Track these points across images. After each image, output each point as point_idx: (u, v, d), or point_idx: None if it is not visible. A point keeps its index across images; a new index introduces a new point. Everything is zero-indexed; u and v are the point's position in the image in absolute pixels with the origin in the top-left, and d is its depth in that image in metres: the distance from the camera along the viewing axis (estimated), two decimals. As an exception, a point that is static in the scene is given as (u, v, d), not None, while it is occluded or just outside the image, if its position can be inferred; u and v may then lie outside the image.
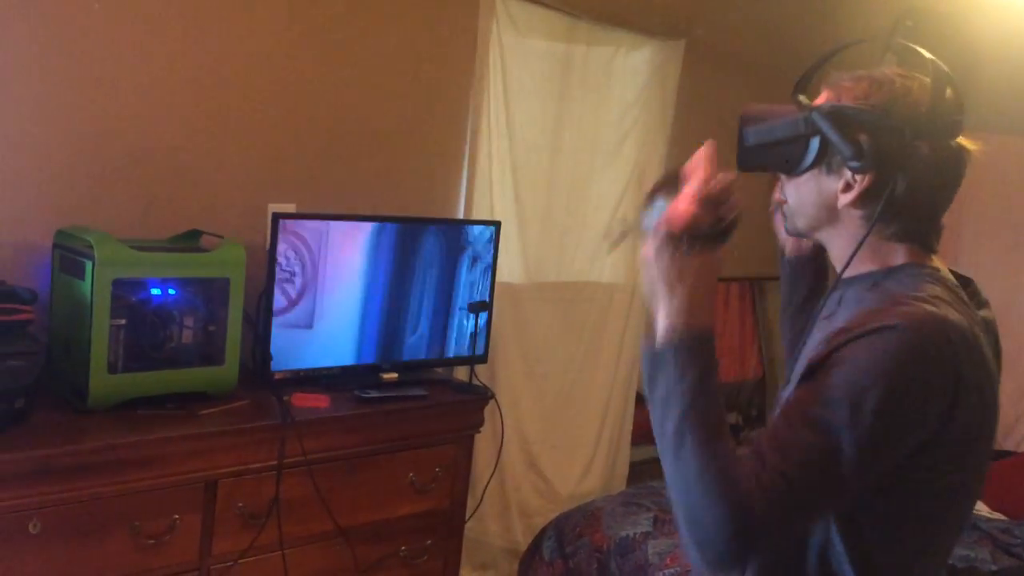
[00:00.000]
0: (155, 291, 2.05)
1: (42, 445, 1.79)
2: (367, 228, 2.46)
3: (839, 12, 3.84)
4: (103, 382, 1.95)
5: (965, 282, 1.22)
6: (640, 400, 3.63)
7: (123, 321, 1.99)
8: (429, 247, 2.59)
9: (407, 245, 2.54)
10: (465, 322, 2.69)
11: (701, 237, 1.05)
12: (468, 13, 2.79)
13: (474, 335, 2.70)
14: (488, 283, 2.71)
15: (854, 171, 1.12)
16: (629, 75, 3.30)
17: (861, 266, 1.19)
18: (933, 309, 1.07)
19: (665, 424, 1.04)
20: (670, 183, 1.12)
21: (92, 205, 2.20)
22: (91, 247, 1.91)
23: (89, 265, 1.91)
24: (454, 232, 2.66)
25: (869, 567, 1.10)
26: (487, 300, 2.70)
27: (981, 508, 3.32)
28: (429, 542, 2.49)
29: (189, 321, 2.11)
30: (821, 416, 1.01)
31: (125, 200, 2.26)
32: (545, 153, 3.13)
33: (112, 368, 1.98)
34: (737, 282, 3.93)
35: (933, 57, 1.14)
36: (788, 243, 1.48)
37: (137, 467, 1.90)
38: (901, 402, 1.02)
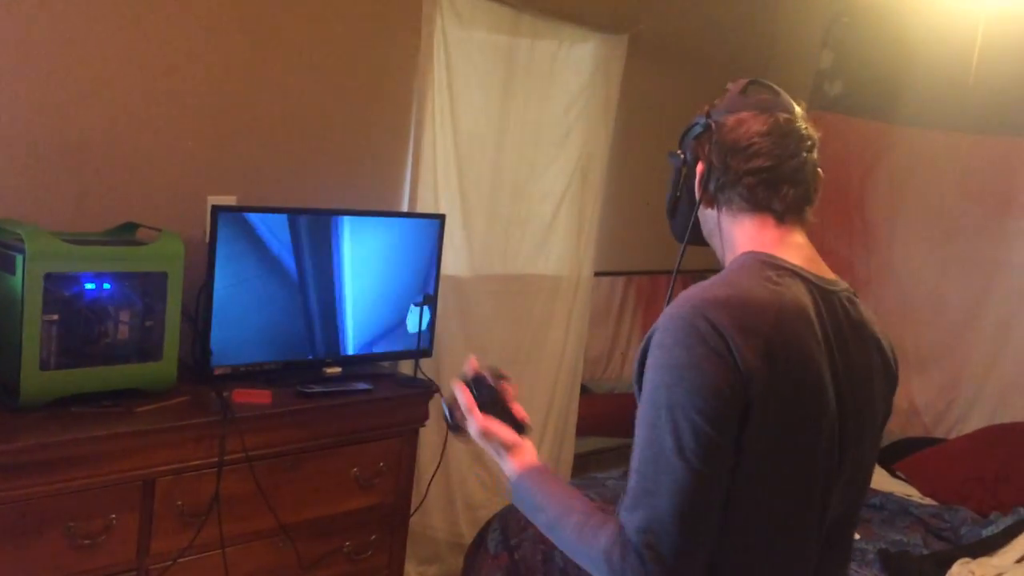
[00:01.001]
0: (89, 285, 2.00)
1: (-29, 445, 1.74)
2: (310, 221, 2.43)
3: (780, 8, 3.91)
4: (35, 379, 1.90)
5: (830, 282, 1.25)
6: (585, 391, 3.66)
7: (56, 316, 1.94)
8: (373, 240, 2.57)
9: (350, 238, 2.51)
10: (410, 315, 2.68)
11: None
12: (412, 4, 2.77)
13: (419, 328, 2.69)
14: (433, 276, 2.70)
15: (688, 167, 1.30)
16: (573, 69, 3.31)
17: (726, 262, 1.29)
18: (707, 293, 1.13)
19: (550, 533, 1.24)
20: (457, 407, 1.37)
21: (23, 197, 2.14)
22: (22, 240, 1.86)
23: (20, 259, 1.86)
24: (398, 225, 2.64)
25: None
26: (432, 293, 2.69)
27: (912, 494, 3.42)
28: (373, 537, 2.48)
29: (125, 316, 2.06)
30: (647, 436, 1.10)
31: (58, 192, 2.20)
32: (489, 146, 3.13)
33: (44, 365, 1.93)
34: (682, 275, 3.98)
35: (749, 80, 1.30)
36: None
37: (71, 466, 1.86)
38: (694, 379, 1.07)
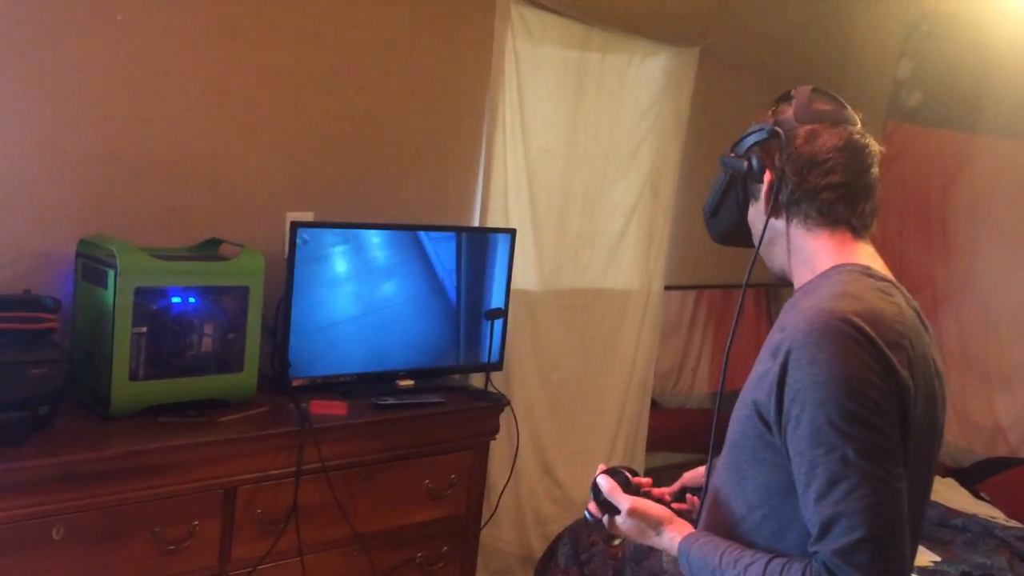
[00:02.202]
0: (176, 299, 2.07)
1: (65, 452, 1.81)
2: (383, 236, 2.48)
3: (853, 18, 3.84)
4: (125, 389, 1.98)
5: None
6: (655, 406, 3.63)
7: (144, 329, 2.02)
8: (445, 255, 2.60)
9: (423, 253, 2.55)
10: (481, 329, 2.71)
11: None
12: (484, 22, 2.81)
13: (490, 342, 2.71)
14: (504, 290, 2.73)
15: (755, 181, 1.29)
16: (644, 82, 3.31)
17: (802, 275, 1.28)
18: (845, 307, 1.12)
19: None
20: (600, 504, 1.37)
21: (114, 214, 2.23)
22: (113, 256, 1.94)
23: (111, 274, 1.94)
24: (470, 240, 2.68)
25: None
26: (503, 307, 2.71)
27: (997, 516, 3.31)
28: (445, 549, 2.50)
29: (209, 329, 2.13)
30: (827, 459, 1.07)
31: (147, 209, 2.29)
32: (560, 160, 3.14)
33: (133, 375, 2.00)
34: (752, 288, 3.93)
35: (796, 88, 1.30)
36: None
37: (158, 473, 1.92)
38: (856, 389, 1.07)
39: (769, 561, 1.14)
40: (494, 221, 2.92)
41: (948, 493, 3.44)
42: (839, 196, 1.24)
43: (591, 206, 3.28)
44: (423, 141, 2.79)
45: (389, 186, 2.74)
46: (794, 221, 1.26)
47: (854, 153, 1.24)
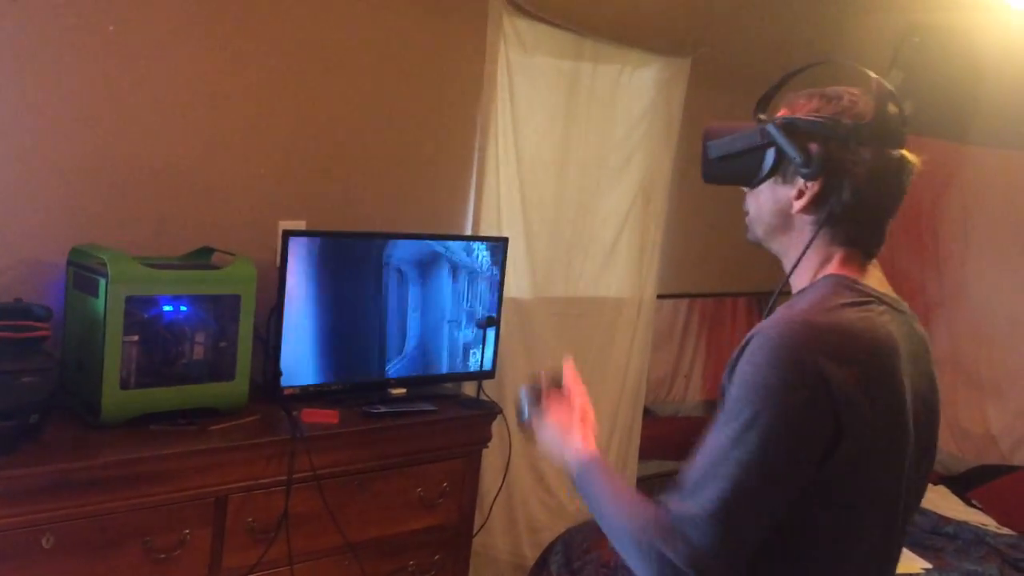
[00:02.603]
0: (167, 308, 2.07)
1: (55, 460, 1.82)
2: (376, 245, 2.49)
3: (844, 30, 3.87)
4: (116, 398, 1.98)
5: (898, 302, 1.25)
6: (648, 414, 3.64)
7: (135, 337, 2.02)
8: (438, 263, 2.61)
9: (416, 261, 2.56)
10: (473, 337, 2.71)
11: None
12: (476, 32, 2.83)
13: (482, 350, 2.71)
14: (496, 299, 2.73)
15: (805, 178, 1.20)
16: (635, 92, 3.33)
17: (800, 280, 1.26)
18: (808, 318, 1.13)
19: (602, 520, 1.24)
20: (537, 392, 1.46)
21: (106, 223, 2.23)
22: (104, 265, 1.94)
23: (103, 282, 1.94)
24: (462, 248, 2.68)
25: None
26: (495, 316, 2.72)
27: (988, 523, 3.31)
28: (437, 557, 2.50)
29: (200, 337, 2.13)
30: (719, 439, 1.11)
31: (138, 218, 2.29)
32: (552, 169, 3.15)
33: (124, 384, 2.00)
34: (744, 297, 3.95)
35: (878, 76, 1.23)
36: None
37: (149, 482, 1.92)
38: (777, 405, 1.08)
39: (637, 504, 1.18)
40: (487, 230, 2.93)
41: (940, 500, 3.45)
42: (876, 223, 1.22)
43: (583, 215, 3.29)
44: (416, 150, 2.80)
45: (382, 195, 2.75)
46: (823, 230, 1.21)
47: (905, 181, 1.21)
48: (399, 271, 2.54)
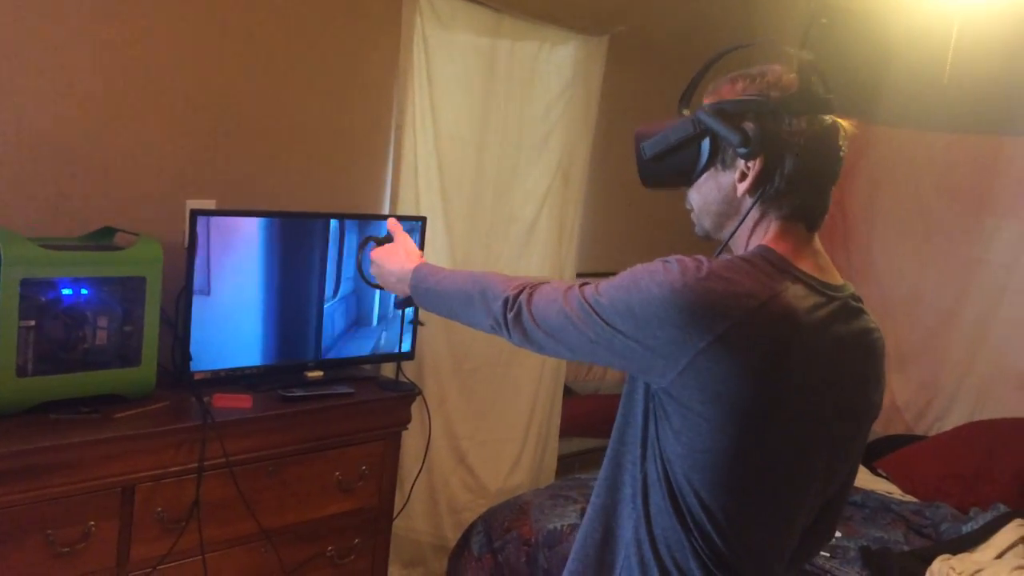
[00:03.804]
0: (66, 291, 1.98)
1: (-54, 453, 1.72)
2: (289, 224, 2.42)
3: (757, 9, 3.92)
4: (12, 386, 1.89)
5: (834, 288, 1.24)
6: (568, 393, 3.66)
7: (32, 322, 1.92)
8: (353, 243, 2.56)
9: (330, 241, 2.50)
10: (392, 318, 2.67)
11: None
12: (391, 6, 2.77)
13: (400, 331, 2.68)
14: (414, 279, 2.69)
15: (745, 158, 1.19)
16: (554, 70, 3.32)
17: (736, 249, 1.25)
18: (701, 263, 1.14)
19: (453, 313, 1.43)
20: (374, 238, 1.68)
21: (-2, 202, 2.12)
22: (-3, 246, 1.84)
23: (-5, 265, 1.84)
24: (379, 227, 2.64)
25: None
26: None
27: (894, 491, 3.44)
28: (356, 541, 2.47)
29: (103, 321, 2.04)
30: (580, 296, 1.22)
31: (34, 197, 2.18)
32: (471, 148, 3.12)
33: (21, 371, 1.91)
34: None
35: (796, 51, 1.24)
36: None
37: (50, 473, 1.84)
38: (633, 308, 1.15)
39: (492, 274, 1.37)
40: (404, 209, 2.89)
41: (848, 471, 3.57)
42: (817, 193, 1.22)
43: (503, 194, 3.27)
44: (330, 127, 2.73)
45: (296, 173, 2.67)
46: (760, 205, 1.21)
47: (839, 151, 1.21)
48: (314, 251, 2.47)
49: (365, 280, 1.68)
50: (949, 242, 3.75)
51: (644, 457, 1.21)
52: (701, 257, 1.15)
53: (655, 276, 1.14)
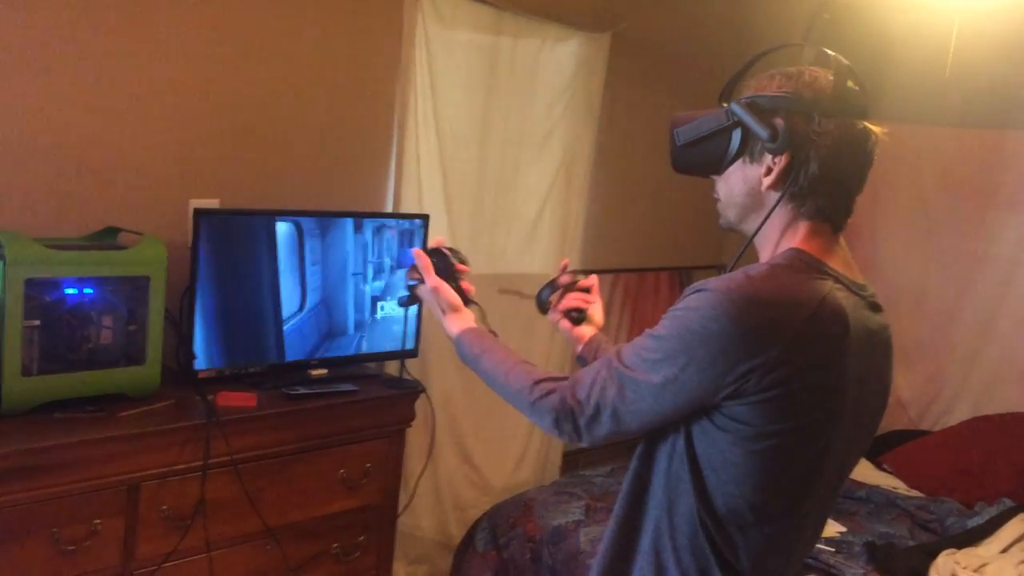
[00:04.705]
0: (70, 291, 1.99)
1: (-48, 452, 1.73)
2: (293, 223, 2.43)
3: (762, 7, 3.92)
4: (17, 385, 1.89)
5: (860, 287, 1.26)
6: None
7: (37, 322, 1.93)
8: (358, 241, 2.57)
9: (335, 240, 2.51)
10: (396, 316, 2.68)
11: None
12: (393, 5, 2.77)
13: (405, 329, 2.68)
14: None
15: (772, 153, 1.21)
16: (556, 67, 3.32)
17: (764, 253, 1.28)
18: (743, 280, 1.15)
19: (495, 386, 1.42)
20: (415, 270, 1.62)
21: (3, 203, 2.12)
22: (1, 246, 1.85)
23: (0, 265, 1.85)
24: (383, 225, 2.64)
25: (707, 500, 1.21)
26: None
27: (899, 486, 3.44)
28: (361, 538, 2.47)
29: (108, 321, 2.05)
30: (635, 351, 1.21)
31: (38, 197, 2.18)
32: (473, 145, 3.12)
33: (27, 371, 1.92)
34: (667, 271, 4.00)
35: (836, 53, 1.25)
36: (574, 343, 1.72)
37: (55, 472, 1.85)
38: (693, 350, 1.14)
39: (533, 368, 1.35)
40: (407, 207, 2.89)
41: (853, 466, 3.57)
42: (844, 196, 1.24)
43: (505, 191, 3.27)
44: (333, 126, 2.74)
45: (299, 172, 2.68)
46: (787, 205, 1.23)
47: (870, 155, 1.22)
48: (319, 250, 2.48)
49: (404, 305, 1.75)
50: (953, 237, 3.75)
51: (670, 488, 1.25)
52: (735, 277, 1.16)
53: (702, 312, 1.14)
